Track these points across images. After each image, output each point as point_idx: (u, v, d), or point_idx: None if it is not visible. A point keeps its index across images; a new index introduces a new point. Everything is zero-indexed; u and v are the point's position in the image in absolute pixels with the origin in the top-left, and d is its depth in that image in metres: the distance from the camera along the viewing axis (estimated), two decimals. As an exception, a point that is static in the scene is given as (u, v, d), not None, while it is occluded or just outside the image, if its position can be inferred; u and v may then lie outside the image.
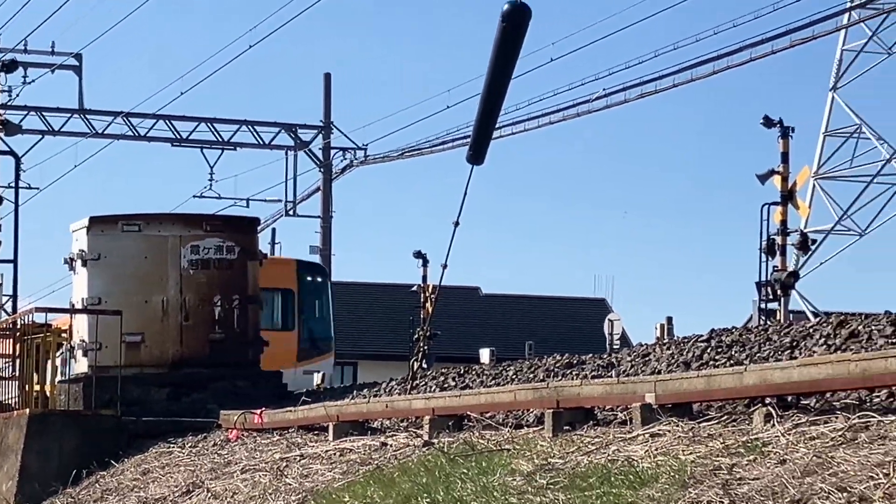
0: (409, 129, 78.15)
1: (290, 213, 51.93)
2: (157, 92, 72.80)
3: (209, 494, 18.68)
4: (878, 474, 8.92)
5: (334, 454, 18.21)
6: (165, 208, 38.35)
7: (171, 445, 24.35)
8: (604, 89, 42.90)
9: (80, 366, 28.80)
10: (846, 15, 45.80)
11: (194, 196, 52.06)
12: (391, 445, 17.54)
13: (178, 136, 50.57)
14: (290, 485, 17.11)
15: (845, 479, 9.17)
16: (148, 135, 50.96)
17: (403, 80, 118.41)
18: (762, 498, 9.48)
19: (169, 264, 28.70)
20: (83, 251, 28.81)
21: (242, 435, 22.99)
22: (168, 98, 49.59)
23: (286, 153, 51.73)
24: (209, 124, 50.54)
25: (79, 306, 28.95)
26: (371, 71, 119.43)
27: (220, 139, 50.67)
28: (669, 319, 46.79)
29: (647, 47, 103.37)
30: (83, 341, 28.33)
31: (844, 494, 8.87)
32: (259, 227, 33.56)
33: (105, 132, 50.62)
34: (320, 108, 51.98)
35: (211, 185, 51.27)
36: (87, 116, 50.34)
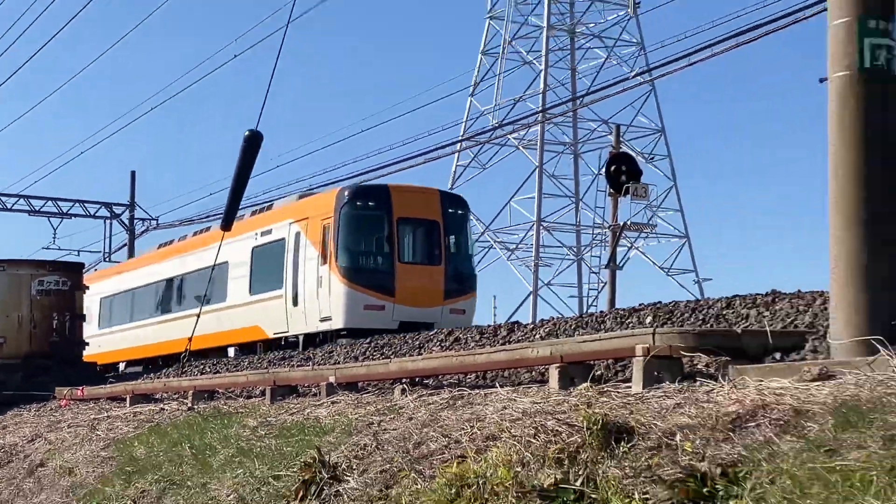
0: (189, 206, 77.61)
1: (106, 259, 50.89)
2: (21, 178, 70.70)
3: (46, 441, 18.05)
4: (466, 426, 9.06)
5: (129, 415, 17.77)
6: (22, 256, 36.48)
7: (22, 410, 23.46)
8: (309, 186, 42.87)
9: None
10: (459, 144, 46.78)
11: (43, 248, 50.55)
12: (167, 410, 17.20)
13: (33, 209, 48.78)
14: (99, 435, 16.67)
15: (447, 429, 9.30)
16: (12, 208, 49.02)
17: (189, 170, 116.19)
18: (397, 441, 9.58)
19: (23, 292, 28.53)
20: None
21: (70, 403, 22.30)
22: (27, 183, 48.54)
23: (105, 221, 50.88)
24: (54, 202, 49.07)
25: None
26: (166, 165, 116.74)
27: (61, 211, 49.11)
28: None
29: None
30: (-34, 341, 28.01)
31: (446, 438, 9.00)
32: (84, 269, 32.36)
33: (-19, 207, 48.72)
34: (128, 192, 51.53)
35: (54, 240, 49.63)
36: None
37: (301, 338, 24.16)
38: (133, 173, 52.02)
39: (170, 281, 31.35)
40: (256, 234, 26.78)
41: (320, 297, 23.78)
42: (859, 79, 8.17)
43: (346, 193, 24.49)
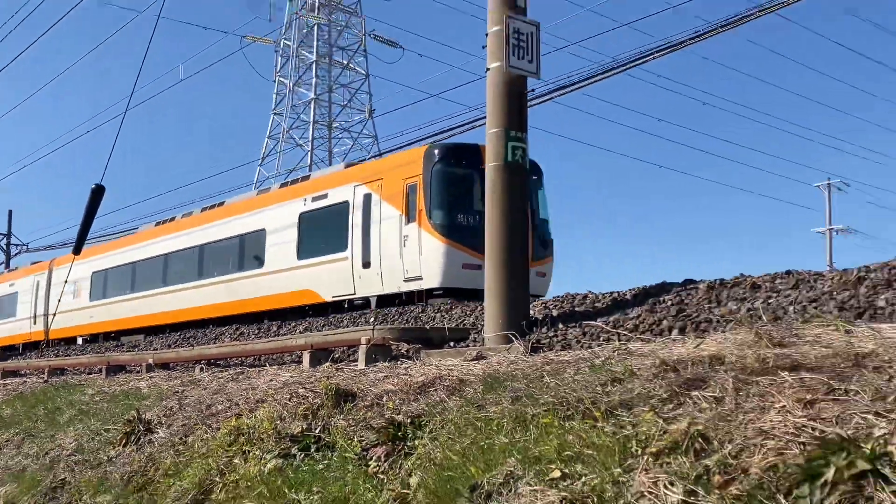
0: (53, 235, 72.29)
1: (-14, 273, 46.83)
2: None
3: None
4: (244, 393, 8.74)
5: (-1, 387, 16.35)
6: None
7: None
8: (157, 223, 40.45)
9: None
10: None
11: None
12: (28, 382, 15.91)
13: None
14: (-26, 402, 15.22)
15: (230, 395, 8.96)
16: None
17: (54, 205, 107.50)
18: (195, 404, 9.24)
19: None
20: None
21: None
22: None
23: (-14, 248, 47.16)
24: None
25: None
26: (37, 201, 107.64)
27: (-48, 237, 45.37)
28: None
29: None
30: None
31: (229, 402, 8.68)
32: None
33: None
34: (5, 224, 47.80)
35: (-52, 258, 45.16)
36: None
37: (374, 300, 16.23)
38: (10, 212, 48.92)
39: (177, 253, 21.98)
40: (305, 200, 18.26)
41: (405, 256, 15.72)
42: (505, 168, 8.60)
43: (436, 151, 16.10)
